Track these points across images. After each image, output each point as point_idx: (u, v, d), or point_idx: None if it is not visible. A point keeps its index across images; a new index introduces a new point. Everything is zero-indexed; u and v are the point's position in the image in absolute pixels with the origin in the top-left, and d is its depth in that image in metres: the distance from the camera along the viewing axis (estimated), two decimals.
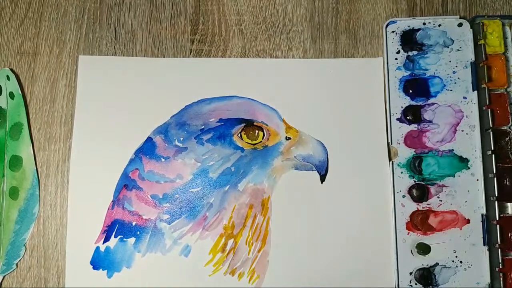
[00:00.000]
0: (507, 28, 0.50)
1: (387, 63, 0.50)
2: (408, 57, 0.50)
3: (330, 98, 0.50)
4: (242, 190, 0.48)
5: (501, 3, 0.52)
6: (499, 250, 0.46)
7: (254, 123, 0.49)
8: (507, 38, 0.50)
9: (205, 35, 0.52)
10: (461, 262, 0.47)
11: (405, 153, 0.49)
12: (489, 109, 0.48)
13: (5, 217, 0.48)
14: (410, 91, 0.50)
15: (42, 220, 0.49)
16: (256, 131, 0.49)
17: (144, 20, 0.52)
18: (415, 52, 0.50)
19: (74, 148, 0.49)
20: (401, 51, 0.50)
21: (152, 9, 0.52)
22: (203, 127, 0.49)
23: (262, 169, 0.49)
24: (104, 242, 0.48)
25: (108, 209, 0.48)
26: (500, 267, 0.46)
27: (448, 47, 0.50)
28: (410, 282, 0.47)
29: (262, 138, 0.49)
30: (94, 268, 0.47)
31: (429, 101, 0.49)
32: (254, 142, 0.49)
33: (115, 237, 0.48)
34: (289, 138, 0.49)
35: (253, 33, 0.52)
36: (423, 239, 0.47)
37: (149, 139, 0.49)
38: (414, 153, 0.49)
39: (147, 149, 0.49)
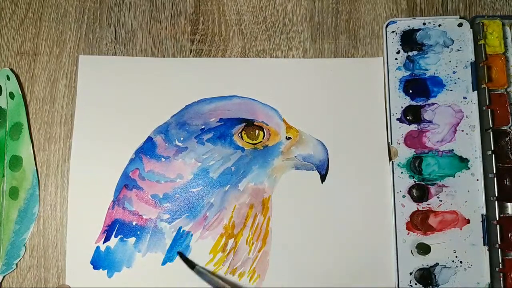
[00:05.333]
0: (507, 28, 0.50)
1: (387, 63, 0.50)
2: (408, 57, 0.50)
3: (330, 98, 0.50)
4: (242, 189, 0.49)
5: (501, 3, 0.52)
6: (499, 250, 0.46)
7: (255, 123, 0.49)
8: (507, 38, 0.50)
9: (205, 35, 0.52)
10: (461, 262, 0.47)
11: (405, 153, 0.49)
12: (489, 109, 0.48)
13: (5, 217, 0.48)
14: (410, 91, 0.50)
15: (42, 220, 0.49)
16: (257, 131, 0.49)
17: (144, 20, 0.52)
18: (415, 52, 0.50)
19: (74, 148, 0.49)
20: (401, 51, 0.50)
21: (152, 9, 0.52)
22: (203, 126, 0.49)
23: (262, 169, 0.49)
24: (104, 242, 0.48)
25: (108, 209, 0.48)
26: (500, 267, 0.46)
27: (448, 47, 0.50)
28: (410, 282, 0.47)
29: (263, 138, 0.49)
30: (94, 268, 0.47)
31: (429, 101, 0.49)
32: (254, 142, 0.49)
33: (116, 237, 0.48)
34: (290, 138, 0.49)
35: (253, 33, 0.52)
36: (423, 239, 0.47)
37: (150, 138, 0.49)
38: (414, 153, 0.49)
39: (147, 148, 0.49)
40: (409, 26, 0.51)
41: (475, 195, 0.48)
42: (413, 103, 0.49)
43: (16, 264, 0.48)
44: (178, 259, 0.47)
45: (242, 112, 0.50)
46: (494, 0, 0.52)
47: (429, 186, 0.48)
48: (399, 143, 0.49)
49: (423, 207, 0.48)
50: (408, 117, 0.49)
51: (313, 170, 0.49)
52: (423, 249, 0.47)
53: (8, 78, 0.50)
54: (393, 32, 0.51)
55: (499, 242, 0.46)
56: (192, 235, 0.48)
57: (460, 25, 0.50)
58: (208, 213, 0.48)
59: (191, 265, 0.47)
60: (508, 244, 0.46)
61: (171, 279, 0.47)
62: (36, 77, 0.51)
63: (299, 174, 0.49)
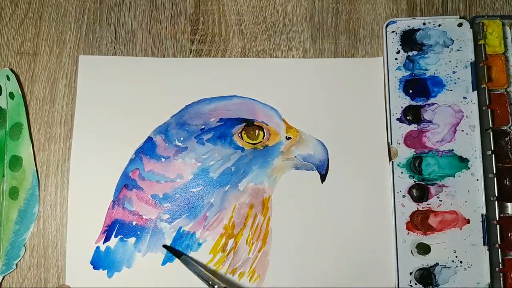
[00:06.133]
0: (507, 28, 0.50)
1: (387, 63, 0.50)
2: (408, 57, 0.50)
3: (330, 98, 0.50)
4: (242, 189, 0.49)
5: (501, 3, 0.52)
6: (499, 250, 0.46)
7: (255, 123, 0.49)
8: (507, 38, 0.50)
9: (205, 35, 0.52)
10: (461, 262, 0.47)
11: (405, 153, 0.49)
12: (489, 109, 0.48)
13: (5, 217, 0.48)
14: (410, 91, 0.50)
15: (42, 220, 0.49)
16: (257, 131, 0.49)
17: (144, 20, 0.52)
18: (415, 52, 0.50)
19: (74, 148, 0.49)
20: (401, 51, 0.50)
21: (152, 9, 0.52)
22: (203, 127, 0.49)
23: (262, 169, 0.49)
24: (104, 242, 0.48)
25: (108, 209, 0.48)
26: (500, 267, 0.46)
27: (448, 47, 0.50)
28: (410, 282, 0.47)
29: (263, 138, 0.49)
30: (94, 268, 0.47)
31: (429, 101, 0.49)
32: (254, 141, 0.49)
33: (116, 237, 0.48)
34: (290, 138, 0.49)
35: (253, 33, 0.52)
36: (423, 239, 0.47)
37: (150, 138, 0.49)
38: (414, 153, 0.49)
39: (147, 148, 0.49)
40: (409, 26, 0.51)
41: (475, 195, 0.48)
42: (413, 103, 0.49)
43: (16, 264, 0.48)
44: (178, 261, 0.47)
45: (242, 112, 0.50)
46: (494, 0, 0.52)
47: (429, 186, 0.48)
48: (399, 143, 0.49)
49: (423, 207, 0.48)
50: (408, 117, 0.49)
51: (313, 170, 0.49)
52: (423, 249, 0.47)
53: (8, 78, 0.50)
54: (393, 32, 0.51)
55: (499, 242, 0.46)
56: (195, 235, 0.48)
57: (460, 25, 0.50)
58: (208, 213, 0.48)
59: (178, 254, 0.47)
60: (508, 244, 0.46)
61: (171, 279, 0.47)
62: (36, 77, 0.51)
63: (299, 174, 0.49)
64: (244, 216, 0.48)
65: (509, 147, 0.48)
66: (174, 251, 0.47)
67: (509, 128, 0.48)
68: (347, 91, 0.50)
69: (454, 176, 0.48)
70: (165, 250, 0.48)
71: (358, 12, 0.52)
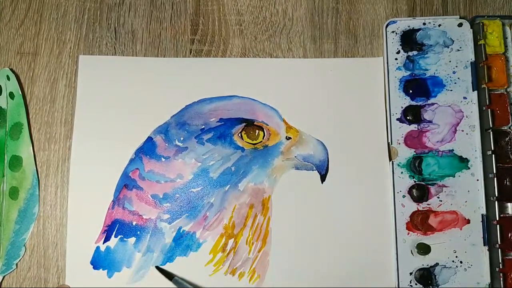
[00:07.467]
0: (507, 28, 0.50)
1: (387, 63, 0.50)
2: (408, 57, 0.50)
3: (330, 98, 0.50)
4: (242, 189, 0.49)
5: (501, 3, 0.52)
6: (499, 250, 0.46)
7: (255, 123, 0.49)
8: (507, 38, 0.50)
9: (205, 35, 0.52)
10: (461, 262, 0.47)
11: (405, 153, 0.49)
12: (489, 109, 0.48)
13: (5, 217, 0.48)
14: (410, 91, 0.50)
15: (42, 220, 0.49)
16: (257, 131, 0.49)
17: (144, 20, 0.52)
18: (415, 52, 0.50)
19: (74, 148, 0.49)
20: (401, 51, 0.50)
21: (152, 9, 0.52)
22: (203, 126, 0.49)
23: (262, 169, 0.49)
24: (104, 242, 0.48)
25: (108, 209, 0.48)
26: (500, 267, 0.46)
27: (448, 47, 0.50)
28: (410, 282, 0.47)
29: (263, 138, 0.49)
30: (94, 268, 0.47)
31: (429, 101, 0.49)
32: (254, 141, 0.49)
33: (116, 237, 0.48)
34: (290, 138, 0.49)
35: (253, 33, 0.52)
36: (423, 239, 0.47)
37: (150, 138, 0.49)
38: (414, 153, 0.49)
39: (147, 148, 0.49)
40: (409, 26, 0.51)
41: (475, 195, 0.48)
42: (413, 103, 0.49)
43: (16, 264, 0.48)
44: (178, 260, 0.47)
45: (242, 112, 0.50)
46: (494, 0, 0.52)
47: (429, 186, 0.48)
48: (399, 143, 0.49)
49: (423, 207, 0.48)
50: (408, 117, 0.49)
51: (313, 170, 0.49)
52: (423, 249, 0.47)
53: (8, 78, 0.50)
54: (393, 32, 0.51)
55: (499, 242, 0.46)
56: (195, 235, 0.48)
57: (460, 25, 0.50)
58: (208, 213, 0.48)
59: (169, 276, 0.47)
60: (508, 244, 0.46)
61: None
62: (36, 77, 0.51)
63: (299, 174, 0.49)
64: (244, 216, 0.48)
65: (509, 147, 0.48)
66: (165, 273, 0.47)
67: (509, 128, 0.48)
68: (347, 91, 0.50)
69: (454, 176, 0.48)
70: (165, 250, 0.48)
71: (358, 12, 0.52)
